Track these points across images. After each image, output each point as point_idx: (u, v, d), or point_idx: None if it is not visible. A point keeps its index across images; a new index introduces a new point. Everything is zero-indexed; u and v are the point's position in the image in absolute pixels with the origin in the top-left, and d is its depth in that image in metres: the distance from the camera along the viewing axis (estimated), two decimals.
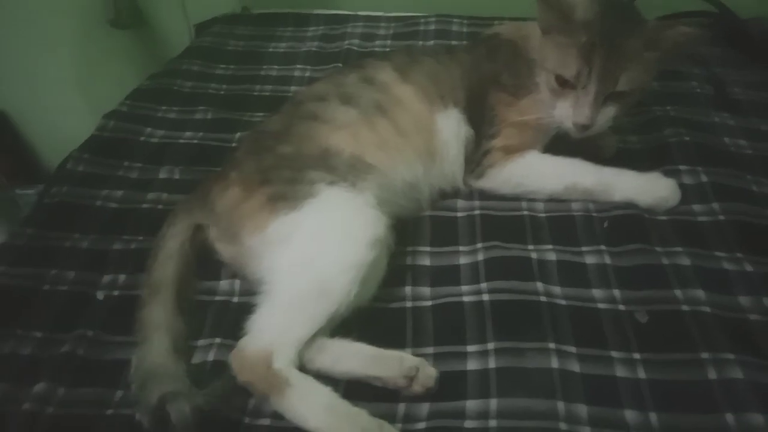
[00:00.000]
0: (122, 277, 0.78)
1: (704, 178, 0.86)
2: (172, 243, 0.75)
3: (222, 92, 1.14)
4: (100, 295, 0.76)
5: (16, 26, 1.54)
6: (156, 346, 0.66)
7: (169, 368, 0.64)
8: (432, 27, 1.29)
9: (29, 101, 1.72)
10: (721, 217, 0.81)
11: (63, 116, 1.69)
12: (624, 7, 0.82)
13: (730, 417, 0.60)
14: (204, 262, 0.78)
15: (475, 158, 0.88)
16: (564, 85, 0.79)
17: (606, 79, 0.76)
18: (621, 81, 0.76)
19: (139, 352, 0.66)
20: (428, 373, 0.64)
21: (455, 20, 1.30)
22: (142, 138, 1.02)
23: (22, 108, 1.74)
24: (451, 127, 0.87)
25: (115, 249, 0.81)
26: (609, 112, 0.80)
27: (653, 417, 0.61)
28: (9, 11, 1.52)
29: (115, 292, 0.76)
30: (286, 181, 0.75)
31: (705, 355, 0.65)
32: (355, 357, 0.66)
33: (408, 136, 0.84)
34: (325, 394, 0.62)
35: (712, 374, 0.63)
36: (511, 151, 0.87)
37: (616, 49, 0.75)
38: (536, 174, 0.86)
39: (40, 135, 1.79)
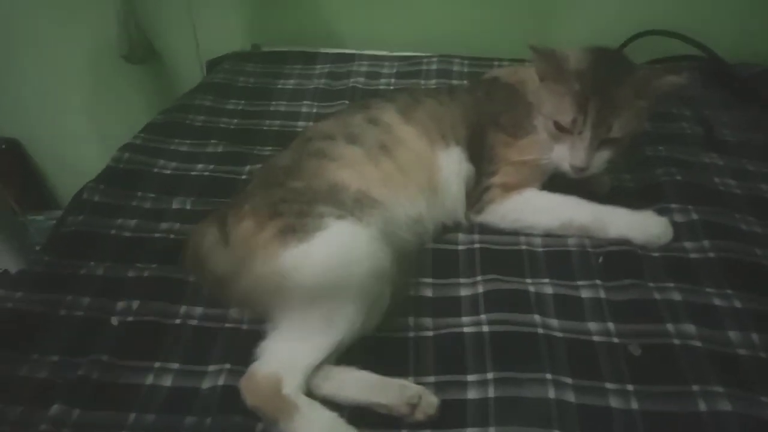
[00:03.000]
0: (136, 304, 0.80)
1: (695, 216, 0.90)
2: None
3: (232, 126, 1.19)
4: (114, 320, 0.78)
5: (32, 57, 1.60)
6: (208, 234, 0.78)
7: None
8: (434, 66, 1.35)
9: (42, 131, 1.77)
10: (711, 254, 0.84)
11: (74, 146, 1.75)
12: (614, 57, 0.87)
13: None
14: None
15: (476, 194, 0.92)
16: (561, 129, 0.84)
17: (600, 126, 0.81)
18: (614, 127, 0.81)
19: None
20: (430, 401, 0.66)
21: (456, 60, 1.36)
22: (156, 170, 1.06)
23: (35, 137, 1.80)
24: (452, 165, 0.91)
25: (130, 276, 0.84)
26: (604, 155, 0.84)
27: None
28: (25, 42, 1.58)
29: (129, 318, 0.79)
30: (296, 214, 0.78)
31: (695, 388, 0.68)
32: (360, 384, 0.69)
33: (411, 173, 0.88)
34: (331, 418, 0.64)
35: (702, 406, 0.66)
36: (509, 188, 0.91)
37: (609, 97, 0.80)
38: (533, 210, 0.90)
39: (51, 163, 1.85)
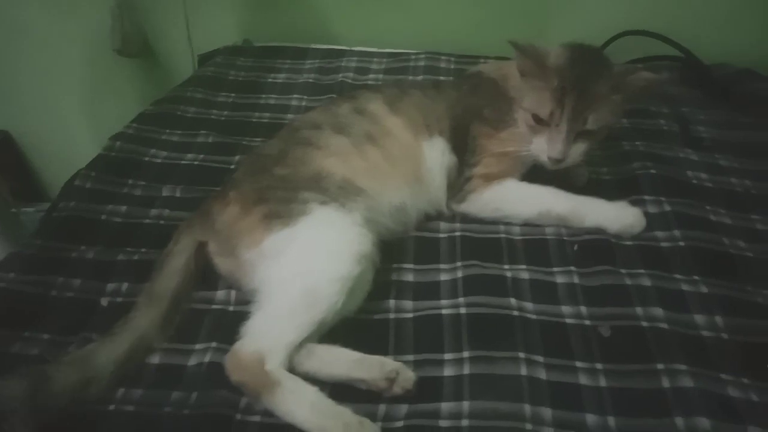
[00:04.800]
0: (125, 286, 0.83)
1: (667, 208, 0.93)
2: (177, 260, 0.81)
3: (223, 118, 1.22)
4: (104, 301, 0.81)
5: (25, 50, 1.62)
6: (115, 346, 0.71)
7: (95, 373, 0.68)
8: (422, 63, 1.38)
9: (33, 124, 1.79)
10: (681, 243, 0.88)
11: (65, 139, 1.77)
12: (592, 54, 0.90)
13: (679, 420, 0.66)
14: (202, 274, 0.83)
15: (458, 184, 0.95)
16: (539, 122, 0.87)
17: (576, 119, 0.85)
18: (589, 120, 0.85)
19: (99, 342, 0.71)
20: (407, 376, 0.69)
21: (443, 57, 1.39)
22: (147, 158, 1.08)
23: (26, 130, 1.81)
24: (435, 155, 0.94)
25: (119, 260, 0.87)
26: (580, 147, 0.88)
27: (611, 420, 0.66)
28: (18, 35, 1.60)
29: (118, 299, 0.81)
30: (280, 200, 0.81)
31: (660, 366, 0.71)
32: (341, 361, 0.72)
33: (395, 162, 0.91)
34: (312, 393, 0.67)
35: (665, 383, 0.69)
36: (490, 178, 0.94)
37: (585, 92, 0.84)
38: (513, 200, 0.93)
39: (43, 156, 1.86)
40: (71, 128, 1.74)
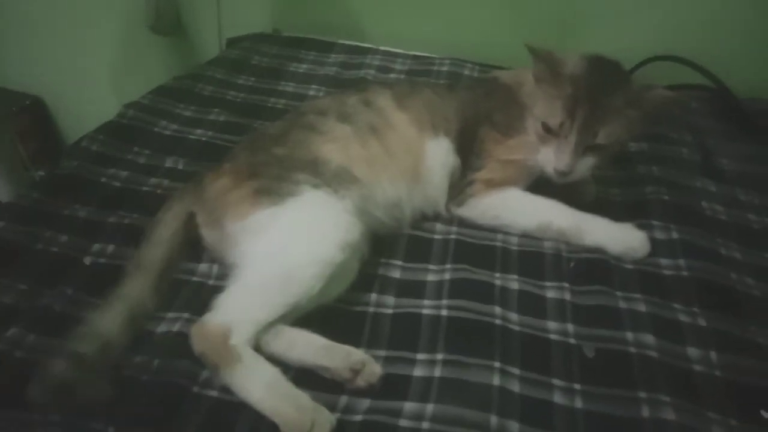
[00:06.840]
0: (111, 248, 0.83)
1: (675, 236, 0.89)
2: (166, 228, 0.80)
3: (239, 100, 1.22)
4: (87, 260, 0.81)
5: (61, 22, 1.67)
6: (113, 313, 0.69)
7: (107, 339, 0.67)
8: (445, 68, 1.36)
9: (65, 92, 1.83)
10: (685, 273, 0.83)
11: (94, 108, 1.77)
12: (610, 66, 0.86)
13: None
14: (188, 245, 0.83)
15: (459, 187, 0.93)
16: (549, 132, 0.84)
17: (586, 132, 0.81)
18: (600, 134, 0.82)
19: (97, 313, 0.69)
20: (373, 369, 0.67)
21: (468, 65, 1.37)
22: (156, 129, 1.09)
23: (58, 97, 1.86)
24: (438, 154, 0.92)
25: (110, 222, 0.87)
26: (587, 162, 0.84)
27: None
28: (55, 7, 1.64)
29: (102, 260, 0.81)
30: (273, 177, 0.80)
31: (642, 395, 0.67)
32: (307, 345, 0.69)
33: (396, 157, 0.89)
34: (271, 373, 0.65)
35: (645, 412, 0.65)
36: (493, 184, 0.91)
37: (598, 104, 0.80)
38: (513, 209, 0.90)
39: (71, 123, 1.90)
40: (100, 98, 1.75)
